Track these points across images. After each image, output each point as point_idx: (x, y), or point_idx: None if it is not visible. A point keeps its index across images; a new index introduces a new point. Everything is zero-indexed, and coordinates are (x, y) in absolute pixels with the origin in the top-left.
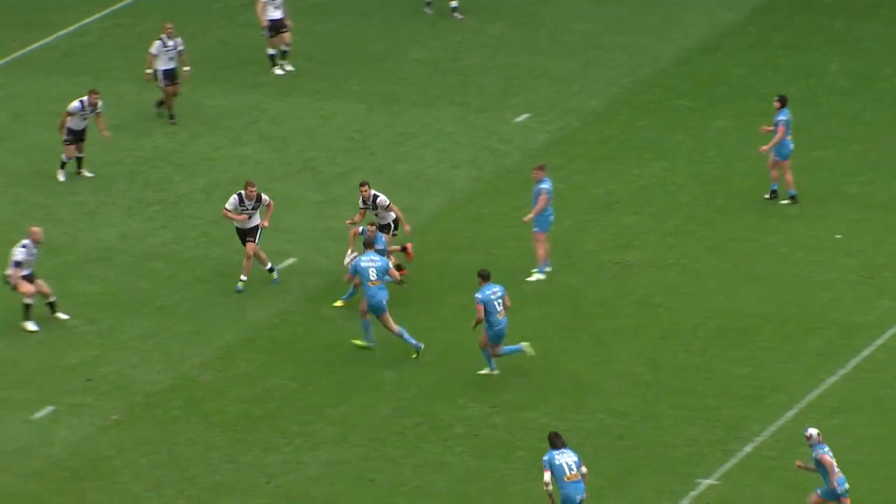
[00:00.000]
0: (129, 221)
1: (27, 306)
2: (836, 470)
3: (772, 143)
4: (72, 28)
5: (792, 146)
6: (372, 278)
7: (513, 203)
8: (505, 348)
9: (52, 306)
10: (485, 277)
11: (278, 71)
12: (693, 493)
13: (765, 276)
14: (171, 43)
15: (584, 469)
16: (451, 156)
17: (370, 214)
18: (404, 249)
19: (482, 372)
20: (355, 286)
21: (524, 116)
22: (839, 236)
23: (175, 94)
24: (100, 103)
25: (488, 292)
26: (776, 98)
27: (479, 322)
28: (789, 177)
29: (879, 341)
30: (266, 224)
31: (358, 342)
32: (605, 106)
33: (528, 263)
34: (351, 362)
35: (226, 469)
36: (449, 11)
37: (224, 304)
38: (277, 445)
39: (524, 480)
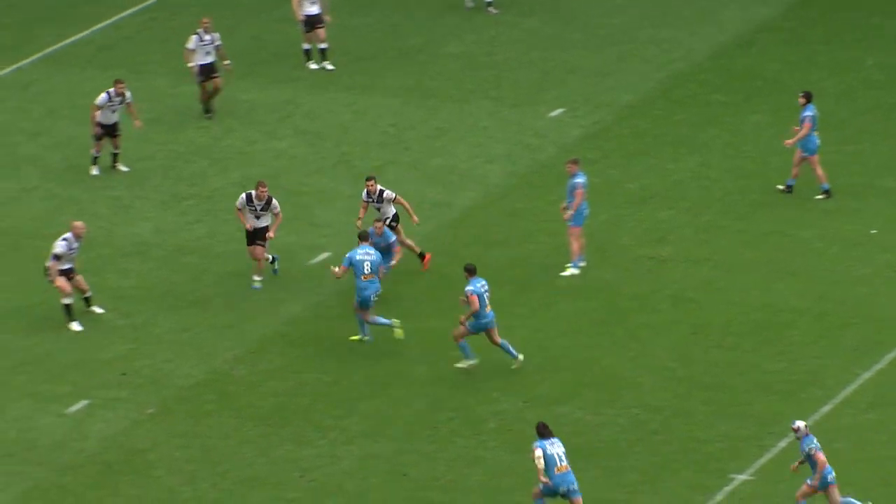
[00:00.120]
0: (163, 216)
1: (67, 307)
2: (827, 466)
3: (796, 137)
4: (107, 22)
5: (818, 141)
6: (365, 272)
7: (547, 198)
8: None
9: (88, 301)
10: (471, 272)
11: (313, 65)
12: (727, 489)
13: (800, 270)
14: (207, 38)
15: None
16: (485, 150)
17: (372, 208)
18: (422, 256)
19: (459, 365)
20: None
21: (558, 111)
22: (874, 231)
23: (217, 89)
24: (127, 93)
25: (478, 285)
26: (801, 94)
27: (472, 314)
28: (820, 171)
29: None
30: (272, 235)
31: (354, 337)
32: (639, 100)
33: (562, 258)
34: (385, 357)
35: (259, 463)
36: (484, 6)
37: (258, 298)
38: (311, 439)
39: None
